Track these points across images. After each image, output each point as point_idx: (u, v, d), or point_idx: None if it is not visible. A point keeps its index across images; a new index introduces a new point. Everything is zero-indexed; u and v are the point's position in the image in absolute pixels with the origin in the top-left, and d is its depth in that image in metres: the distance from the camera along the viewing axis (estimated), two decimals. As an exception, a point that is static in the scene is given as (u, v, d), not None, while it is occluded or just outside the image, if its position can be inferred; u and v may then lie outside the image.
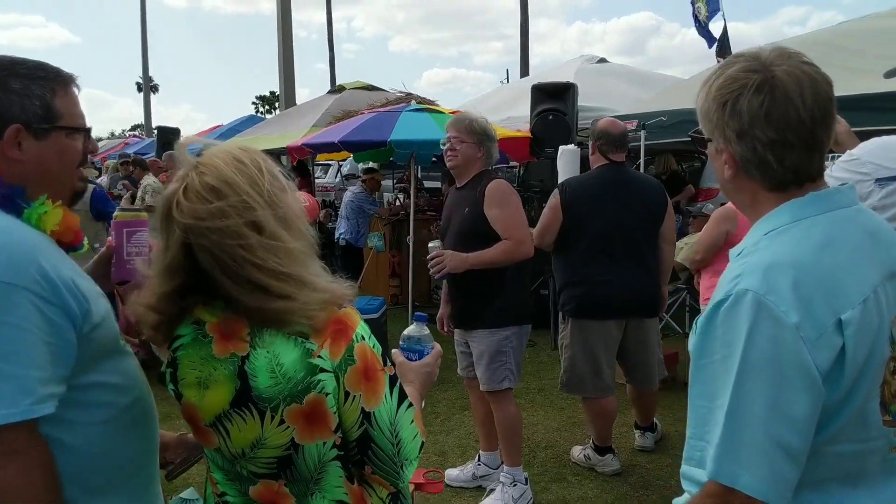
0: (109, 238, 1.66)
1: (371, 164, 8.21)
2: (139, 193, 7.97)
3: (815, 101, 1.04)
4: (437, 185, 10.58)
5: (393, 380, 1.20)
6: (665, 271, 3.70)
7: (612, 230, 3.43)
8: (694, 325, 1.13)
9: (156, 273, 1.16)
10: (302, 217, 1.18)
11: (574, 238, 3.49)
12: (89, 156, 1.33)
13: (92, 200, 4.19)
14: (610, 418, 3.61)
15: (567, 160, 5.20)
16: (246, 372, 1.11)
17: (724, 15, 6.92)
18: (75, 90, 1.26)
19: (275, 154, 10.56)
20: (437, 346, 1.50)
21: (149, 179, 8.11)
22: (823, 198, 1.09)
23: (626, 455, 3.82)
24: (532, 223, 3.54)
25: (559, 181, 5.20)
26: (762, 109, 1.04)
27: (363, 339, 1.16)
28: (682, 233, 6.00)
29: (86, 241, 1.34)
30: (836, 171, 2.17)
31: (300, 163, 9.36)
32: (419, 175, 9.77)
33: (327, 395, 1.12)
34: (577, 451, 3.78)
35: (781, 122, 1.04)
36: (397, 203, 8.94)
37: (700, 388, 1.05)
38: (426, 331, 1.49)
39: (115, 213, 1.70)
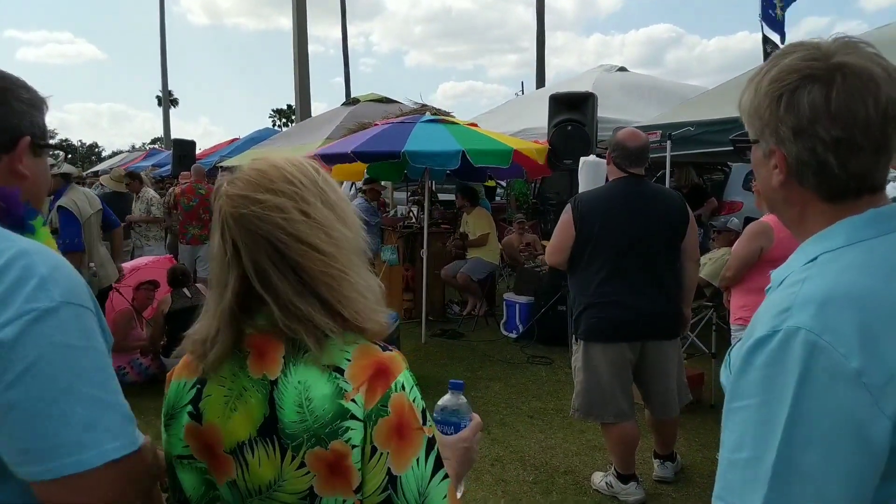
0: None
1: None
2: (143, 206, 7.87)
3: (890, 96, 0.89)
4: (452, 197, 10.47)
5: (431, 443, 1.02)
6: (688, 290, 3.50)
7: (627, 247, 3.27)
8: (727, 357, 0.99)
9: (213, 285, 1.05)
10: (353, 214, 1.09)
11: (587, 256, 3.34)
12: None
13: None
14: (630, 445, 3.42)
15: (589, 172, 5.01)
16: (275, 400, 0.99)
17: (763, 25, 6.59)
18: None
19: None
20: (477, 418, 1.27)
21: (149, 193, 8.04)
22: (886, 216, 0.93)
23: (650, 483, 3.63)
24: (548, 237, 3.38)
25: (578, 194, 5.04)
26: (827, 103, 0.90)
27: (403, 388, 1.00)
28: (704, 248, 5.78)
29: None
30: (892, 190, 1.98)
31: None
32: (433, 187, 9.67)
33: (353, 447, 0.97)
34: (598, 478, 3.60)
35: (849, 119, 0.89)
36: (411, 215, 8.80)
37: (733, 436, 0.89)
38: (463, 400, 1.26)
39: None
